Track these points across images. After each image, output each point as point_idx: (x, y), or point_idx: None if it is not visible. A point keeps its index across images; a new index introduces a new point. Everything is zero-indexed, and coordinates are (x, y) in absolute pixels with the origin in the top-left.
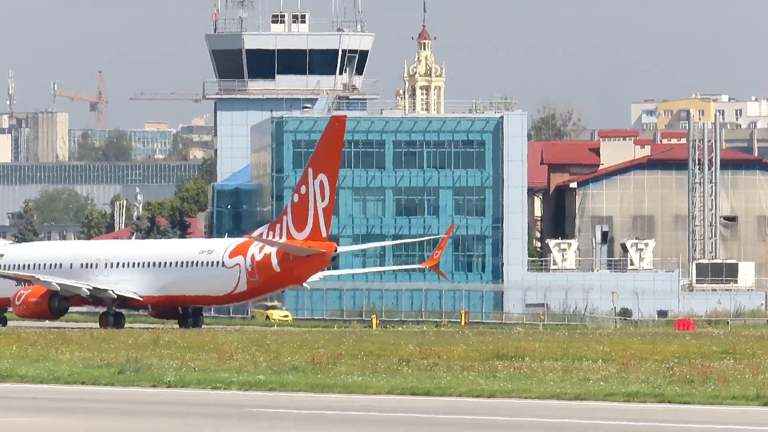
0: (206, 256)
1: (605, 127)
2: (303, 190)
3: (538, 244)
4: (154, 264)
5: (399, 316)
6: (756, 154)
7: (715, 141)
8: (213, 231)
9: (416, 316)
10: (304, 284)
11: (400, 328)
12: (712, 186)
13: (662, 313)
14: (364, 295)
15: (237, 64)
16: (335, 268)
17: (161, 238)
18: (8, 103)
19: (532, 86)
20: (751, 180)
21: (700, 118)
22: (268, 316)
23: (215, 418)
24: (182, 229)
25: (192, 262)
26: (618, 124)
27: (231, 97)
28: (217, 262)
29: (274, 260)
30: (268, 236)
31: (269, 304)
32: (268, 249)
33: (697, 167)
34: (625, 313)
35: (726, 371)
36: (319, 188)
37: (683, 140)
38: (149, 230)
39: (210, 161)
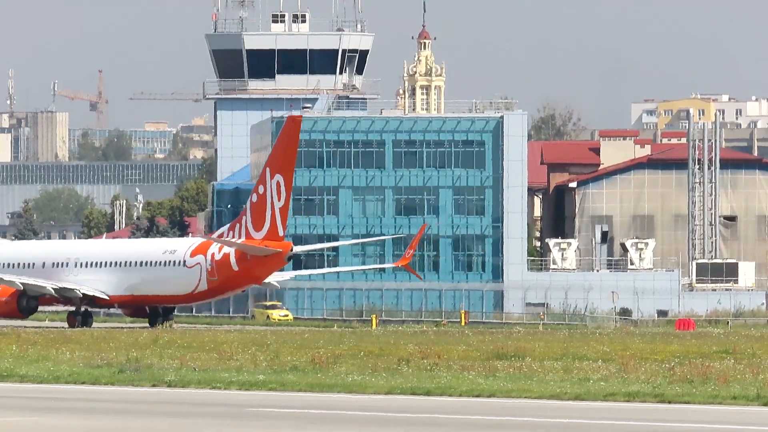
0: (169, 256)
1: (605, 126)
2: (261, 190)
3: (538, 244)
4: (120, 263)
5: (399, 316)
6: (756, 154)
7: (715, 141)
8: (213, 231)
9: (416, 316)
10: (274, 282)
11: (400, 328)
12: (712, 186)
13: (662, 313)
14: (364, 294)
15: (237, 63)
16: (335, 266)
17: (160, 238)
18: (8, 102)
19: (532, 86)
20: (751, 180)
21: (700, 118)
22: (268, 316)
23: (215, 418)
24: (182, 229)
25: (156, 262)
26: (618, 123)
27: (231, 97)
28: (179, 262)
29: (233, 260)
30: (228, 236)
31: (269, 303)
32: (227, 248)
33: (697, 167)
34: (625, 312)
35: (726, 371)
36: (275, 188)
37: (683, 140)
38: (149, 230)
39: (210, 161)
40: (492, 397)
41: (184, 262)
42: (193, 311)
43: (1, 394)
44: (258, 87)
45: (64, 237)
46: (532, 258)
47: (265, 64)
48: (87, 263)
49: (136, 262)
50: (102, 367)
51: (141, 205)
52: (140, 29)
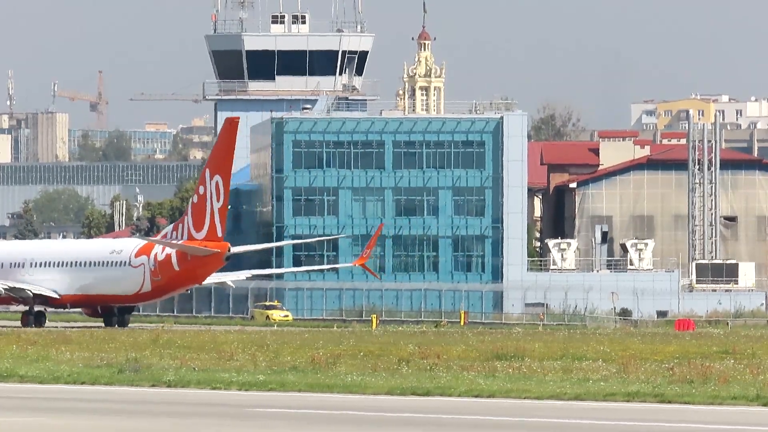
0: (115, 257)
1: (605, 127)
2: (201, 190)
3: (538, 244)
4: (71, 263)
5: (399, 316)
6: (756, 155)
7: (715, 141)
8: None
9: (416, 316)
10: (230, 282)
11: (399, 328)
12: (711, 186)
13: (662, 314)
14: (363, 295)
15: (237, 64)
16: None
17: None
18: (8, 103)
19: (532, 86)
20: (751, 180)
21: (699, 119)
22: (268, 316)
23: (215, 418)
24: None
25: (103, 262)
26: (618, 124)
27: (231, 97)
28: (125, 262)
29: (174, 260)
30: (172, 236)
31: (269, 303)
32: (169, 249)
33: (697, 167)
34: (625, 313)
35: (726, 371)
36: (215, 189)
37: (683, 140)
38: (149, 230)
39: None
40: (491, 398)
41: (129, 262)
42: (193, 311)
43: (1, 394)
44: (258, 88)
45: (64, 237)
46: (532, 258)
47: (265, 65)
48: (41, 263)
49: (85, 262)
50: (102, 368)
51: (141, 205)
52: (140, 30)
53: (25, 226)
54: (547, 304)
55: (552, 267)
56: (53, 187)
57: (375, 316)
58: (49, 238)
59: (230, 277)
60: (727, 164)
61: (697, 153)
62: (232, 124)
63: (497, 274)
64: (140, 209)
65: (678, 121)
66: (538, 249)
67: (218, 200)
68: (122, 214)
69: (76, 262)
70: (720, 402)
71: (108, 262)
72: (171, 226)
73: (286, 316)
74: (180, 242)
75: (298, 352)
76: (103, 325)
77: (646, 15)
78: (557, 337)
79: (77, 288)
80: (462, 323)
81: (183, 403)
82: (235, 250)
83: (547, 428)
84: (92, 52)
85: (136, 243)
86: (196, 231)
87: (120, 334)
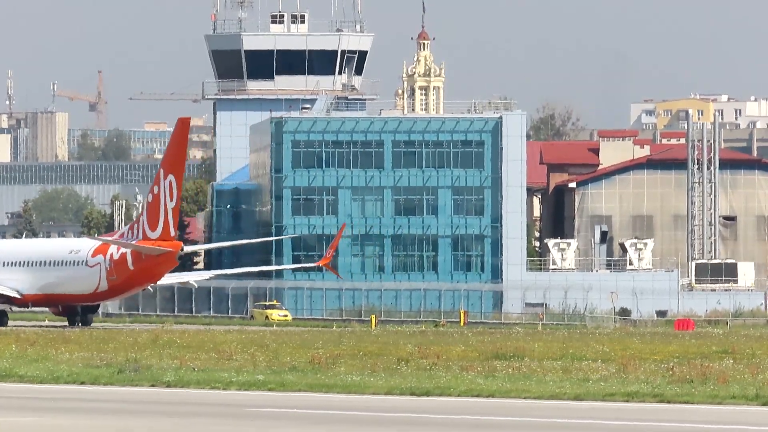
0: (74, 256)
1: (604, 127)
2: (155, 190)
3: (537, 244)
4: (32, 263)
5: (398, 316)
6: (755, 154)
7: (714, 141)
8: (212, 231)
9: (415, 316)
10: (193, 282)
11: (399, 328)
12: (711, 186)
13: (661, 313)
14: (363, 295)
15: (236, 64)
16: (335, 266)
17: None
18: (8, 103)
19: (532, 86)
20: (751, 180)
21: (699, 118)
22: (267, 316)
23: (215, 418)
24: (181, 229)
25: (62, 262)
26: (617, 124)
27: (230, 97)
28: (82, 261)
29: (129, 259)
30: (128, 235)
31: (268, 303)
32: (124, 248)
33: (697, 167)
34: (625, 312)
35: (725, 371)
36: (168, 188)
37: (682, 140)
38: None
39: (209, 161)
40: (491, 398)
41: (86, 262)
42: (192, 311)
43: (1, 394)
44: (257, 87)
45: (63, 237)
46: (532, 258)
47: (264, 64)
48: (6, 263)
49: (45, 262)
50: (101, 368)
51: (140, 205)
52: (140, 29)
53: (24, 226)
54: (546, 304)
55: (551, 267)
56: (52, 187)
57: (374, 316)
58: (49, 237)
59: (194, 277)
60: (727, 164)
61: (696, 153)
62: (183, 124)
63: (497, 274)
64: (140, 209)
65: (677, 121)
66: (537, 249)
67: (171, 200)
68: (122, 213)
69: (37, 261)
70: (719, 402)
71: (67, 262)
72: (128, 225)
73: (285, 315)
74: (134, 242)
75: (298, 352)
76: (67, 324)
77: (646, 15)
78: (557, 336)
79: (38, 287)
80: (461, 323)
81: (183, 403)
82: (188, 249)
83: (547, 428)
84: (92, 52)
85: (93, 243)
86: (151, 230)
87: (119, 335)
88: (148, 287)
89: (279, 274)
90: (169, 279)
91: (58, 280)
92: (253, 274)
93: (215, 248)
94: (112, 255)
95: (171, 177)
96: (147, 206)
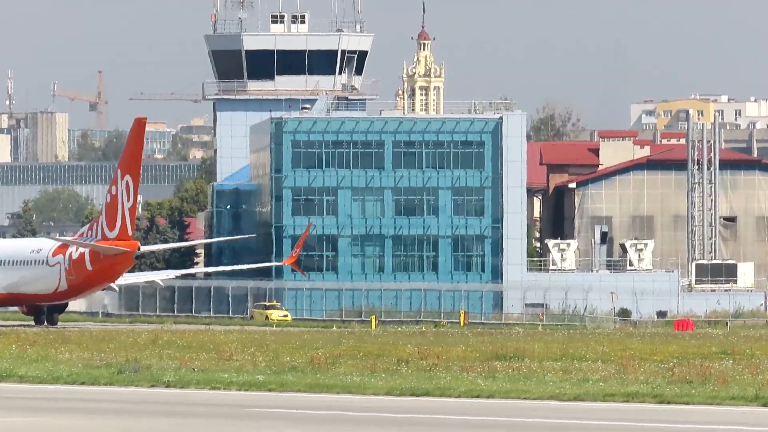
0: (35, 255)
1: (605, 127)
2: (114, 190)
3: (538, 245)
4: None
5: (398, 317)
6: (755, 155)
7: (714, 141)
8: (212, 231)
9: (415, 317)
10: (159, 281)
11: (399, 329)
12: (711, 186)
13: (661, 314)
14: (363, 295)
15: (236, 64)
16: (334, 268)
17: (160, 238)
18: (8, 103)
19: (532, 86)
20: (751, 180)
21: (699, 119)
22: (267, 317)
23: (215, 418)
24: (182, 230)
25: (25, 261)
26: (617, 124)
27: (230, 97)
28: (43, 261)
29: (87, 259)
30: (88, 235)
31: (268, 304)
32: (82, 248)
33: (697, 167)
34: (625, 313)
35: (725, 372)
36: (125, 189)
37: (682, 140)
38: (149, 230)
39: (209, 161)
40: (491, 398)
41: (47, 261)
42: (193, 311)
43: (1, 394)
44: (257, 88)
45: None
46: (532, 258)
47: (265, 64)
48: None
49: (10, 262)
50: (101, 368)
51: (140, 205)
52: (140, 29)
53: (24, 226)
54: (546, 305)
55: (552, 267)
56: (53, 187)
57: (374, 316)
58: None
59: (160, 276)
60: (727, 164)
61: (696, 153)
62: (140, 125)
63: (497, 274)
64: (140, 209)
65: (678, 121)
66: (537, 249)
67: (128, 200)
68: None
69: (2, 261)
70: (719, 402)
71: (29, 261)
72: (87, 225)
73: (285, 316)
74: (91, 242)
75: (298, 353)
76: (33, 323)
77: (646, 15)
78: (557, 337)
79: (3, 287)
80: (462, 323)
81: (183, 403)
82: (144, 249)
83: (547, 428)
84: (92, 52)
85: (53, 243)
86: (109, 230)
87: (119, 335)
88: (112, 287)
89: (279, 274)
90: (135, 278)
91: (21, 279)
92: (248, 274)
93: (169, 249)
94: (71, 255)
95: (128, 177)
96: (105, 206)
